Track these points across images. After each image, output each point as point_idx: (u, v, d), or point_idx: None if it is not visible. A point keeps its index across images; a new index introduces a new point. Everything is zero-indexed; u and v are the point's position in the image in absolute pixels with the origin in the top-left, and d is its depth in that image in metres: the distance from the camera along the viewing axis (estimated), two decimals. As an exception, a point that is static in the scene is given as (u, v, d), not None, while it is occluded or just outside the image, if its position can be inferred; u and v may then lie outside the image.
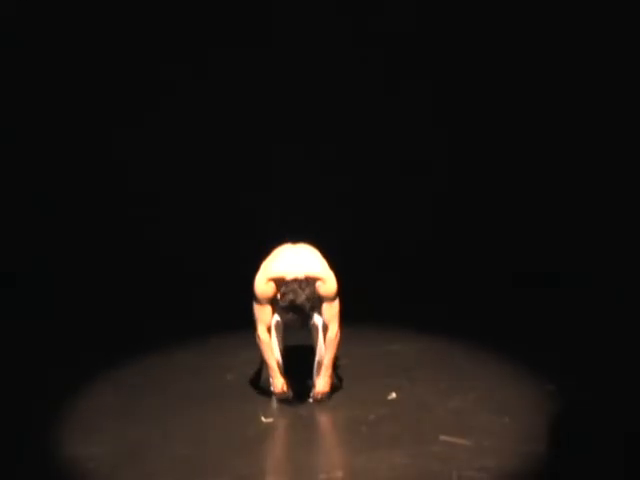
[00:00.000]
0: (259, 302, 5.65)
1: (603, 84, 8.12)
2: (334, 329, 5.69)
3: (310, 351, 5.82)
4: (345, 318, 6.00)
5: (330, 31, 8.41)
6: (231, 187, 8.47)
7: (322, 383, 5.73)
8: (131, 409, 5.74)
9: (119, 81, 8.38)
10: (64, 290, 7.83)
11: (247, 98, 8.47)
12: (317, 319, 5.71)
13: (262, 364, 5.92)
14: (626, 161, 8.11)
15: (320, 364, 5.74)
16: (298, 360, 5.91)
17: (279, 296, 5.54)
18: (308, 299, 5.45)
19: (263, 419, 5.53)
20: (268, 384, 5.82)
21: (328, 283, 5.63)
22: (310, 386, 5.78)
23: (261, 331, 5.69)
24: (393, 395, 5.80)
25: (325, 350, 5.72)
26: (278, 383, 5.72)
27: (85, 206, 8.47)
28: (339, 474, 4.96)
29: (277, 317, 5.74)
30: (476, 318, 7.08)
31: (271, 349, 5.72)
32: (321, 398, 5.74)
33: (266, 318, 5.67)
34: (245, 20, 8.42)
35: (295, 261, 5.67)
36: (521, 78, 8.32)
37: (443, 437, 5.22)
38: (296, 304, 5.43)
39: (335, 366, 5.97)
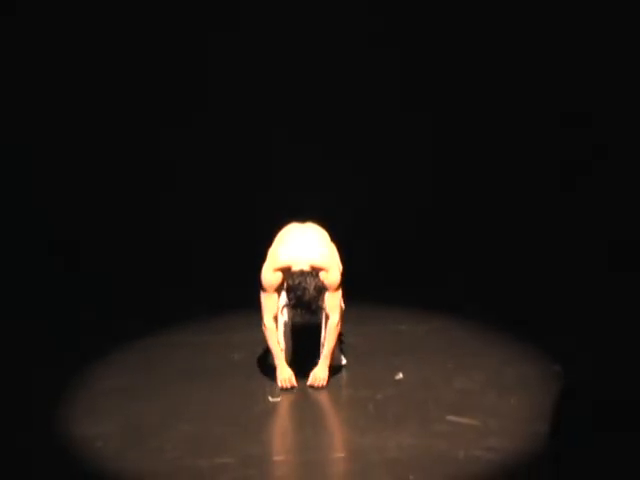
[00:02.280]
0: (266, 291, 5.66)
1: (603, 79, 8.12)
2: (335, 318, 5.69)
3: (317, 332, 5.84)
4: (352, 299, 6.02)
5: (334, 33, 8.41)
6: (232, 168, 8.44)
7: (321, 372, 5.73)
8: (137, 388, 5.75)
9: (120, 72, 8.37)
10: (66, 271, 7.80)
11: (245, 82, 8.45)
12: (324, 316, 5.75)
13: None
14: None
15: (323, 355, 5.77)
16: (305, 341, 5.93)
17: (285, 289, 5.56)
18: (314, 297, 5.46)
19: (270, 398, 5.54)
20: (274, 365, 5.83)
21: (332, 273, 5.63)
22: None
23: (267, 320, 5.69)
24: (400, 375, 5.80)
25: (326, 339, 5.73)
26: (283, 372, 5.71)
27: (84, 188, 8.46)
28: (345, 453, 4.97)
29: (285, 317, 5.78)
30: (482, 299, 7.06)
31: (276, 338, 5.73)
32: (318, 385, 5.74)
33: (273, 307, 5.67)
34: (244, 14, 8.40)
35: (301, 248, 5.66)
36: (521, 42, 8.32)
37: (450, 417, 5.23)
38: (303, 301, 5.45)
39: (341, 347, 5.98)
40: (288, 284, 5.52)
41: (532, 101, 8.35)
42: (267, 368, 5.91)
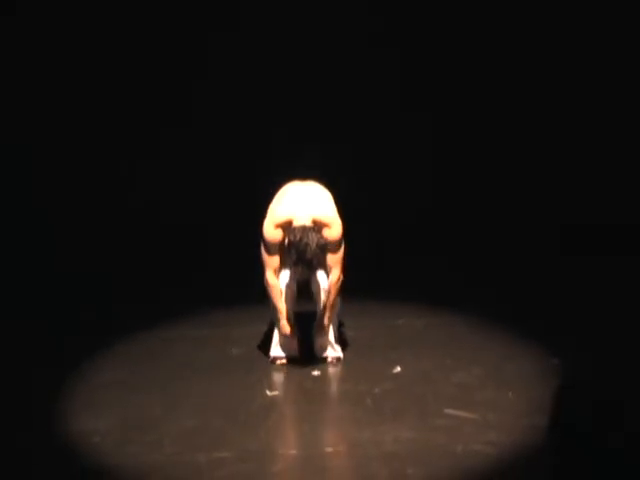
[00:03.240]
0: (267, 248, 5.64)
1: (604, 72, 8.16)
2: (336, 273, 5.69)
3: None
4: (350, 292, 6.02)
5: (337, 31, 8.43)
6: (232, 168, 8.44)
7: (325, 323, 5.77)
8: (134, 383, 5.75)
9: (118, 70, 8.37)
10: (63, 264, 7.79)
11: (245, 85, 8.47)
12: (321, 277, 5.71)
13: (272, 326, 5.96)
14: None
15: (321, 321, 5.78)
16: (305, 328, 5.94)
17: (286, 244, 5.52)
18: (316, 253, 5.45)
19: (268, 392, 5.54)
20: (274, 354, 5.85)
21: (334, 228, 5.61)
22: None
23: (269, 276, 5.68)
24: (398, 369, 5.80)
25: (327, 293, 5.73)
26: (285, 326, 5.75)
27: (83, 185, 8.46)
28: (343, 447, 4.97)
29: (287, 279, 5.74)
30: (481, 293, 7.06)
31: (279, 293, 5.72)
32: (323, 333, 5.80)
33: (274, 263, 5.66)
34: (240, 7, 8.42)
35: (302, 203, 5.64)
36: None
37: (448, 411, 5.23)
38: (305, 258, 5.44)
39: (339, 340, 5.99)
40: (289, 240, 5.49)
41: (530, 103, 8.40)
42: (265, 362, 5.92)
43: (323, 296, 5.75)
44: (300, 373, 5.79)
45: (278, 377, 5.80)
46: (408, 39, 8.46)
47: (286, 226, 5.57)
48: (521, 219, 8.20)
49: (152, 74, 8.47)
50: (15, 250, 7.91)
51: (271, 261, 5.66)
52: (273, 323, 5.94)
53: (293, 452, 5.00)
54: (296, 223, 5.53)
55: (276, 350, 5.89)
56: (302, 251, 5.43)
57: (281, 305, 5.74)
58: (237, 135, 8.55)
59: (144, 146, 8.47)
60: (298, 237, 5.44)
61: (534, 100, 8.44)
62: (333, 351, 5.91)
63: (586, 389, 5.45)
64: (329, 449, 4.98)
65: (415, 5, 8.43)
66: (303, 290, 5.79)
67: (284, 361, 5.88)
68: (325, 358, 5.90)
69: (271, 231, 5.61)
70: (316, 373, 5.79)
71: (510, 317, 6.52)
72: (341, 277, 5.72)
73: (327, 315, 5.79)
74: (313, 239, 5.44)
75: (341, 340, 6.07)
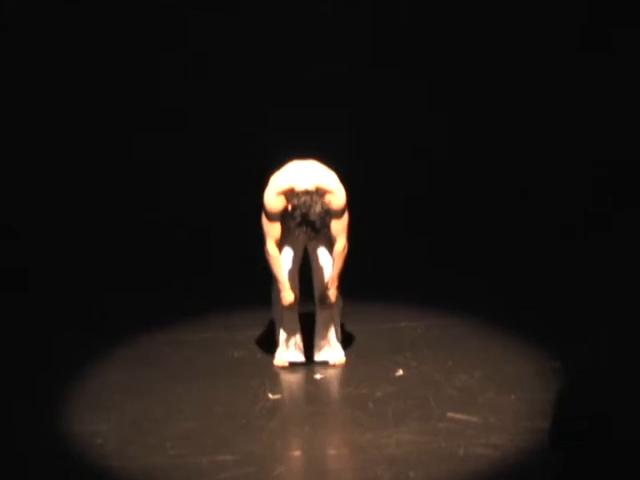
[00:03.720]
0: (268, 216, 5.61)
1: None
2: (342, 242, 5.68)
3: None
4: (351, 295, 6.02)
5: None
6: (232, 169, 8.43)
7: (330, 295, 5.76)
8: (137, 385, 5.75)
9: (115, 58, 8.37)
10: (61, 268, 7.77)
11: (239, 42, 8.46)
12: (322, 253, 5.76)
13: (276, 327, 5.97)
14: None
15: (324, 295, 5.78)
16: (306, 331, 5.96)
17: (290, 208, 5.50)
18: (320, 214, 5.43)
19: (270, 395, 5.55)
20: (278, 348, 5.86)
21: (337, 196, 5.60)
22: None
23: (270, 246, 5.65)
24: (400, 372, 5.81)
25: (333, 262, 5.73)
26: (287, 296, 5.72)
27: (82, 186, 8.46)
28: (345, 451, 4.98)
29: (290, 264, 5.75)
30: (482, 296, 7.05)
31: (280, 263, 5.70)
32: (328, 304, 5.79)
33: (275, 233, 5.63)
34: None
35: (305, 172, 5.62)
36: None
37: (450, 414, 5.23)
38: (309, 219, 5.42)
39: (341, 343, 6.00)
40: (292, 204, 5.47)
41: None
42: (268, 365, 5.92)
43: (326, 273, 5.76)
44: (302, 376, 5.80)
45: (280, 380, 5.81)
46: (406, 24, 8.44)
47: (288, 193, 5.53)
48: (521, 220, 8.19)
49: (151, 71, 8.44)
50: (15, 252, 7.90)
51: (272, 230, 5.62)
52: (275, 326, 5.95)
53: (295, 455, 5.01)
54: (299, 189, 5.50)
55: (281, 355, 5.89)
56: (305, 213, 5.40)
57: (282, 275, 5.71)
58: (233, 137, 8.52)
59: (144, 146, 8.45)
60: (302, 200, 5.41)
61: (536, 92, 8.43)
62: (335, 354, 5.91)
63: (587, 391, 5.46)
64: (331, 452, 4.99)
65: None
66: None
67: (286, 364, 5.89)
68: (327, 361, 5.91)
69: (273, 198, 5.56)
70: (318, 376, 5.80)
71: (511, 319, 6.52)
72: (347, 246, 5.69)
73: (332, 288, 5.77)
74: (316, 202, 5.42)
75: (343, 343, 6.07)
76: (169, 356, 6.20)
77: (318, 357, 5.92)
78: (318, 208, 5.42)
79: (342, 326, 6.15)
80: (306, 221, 5.42)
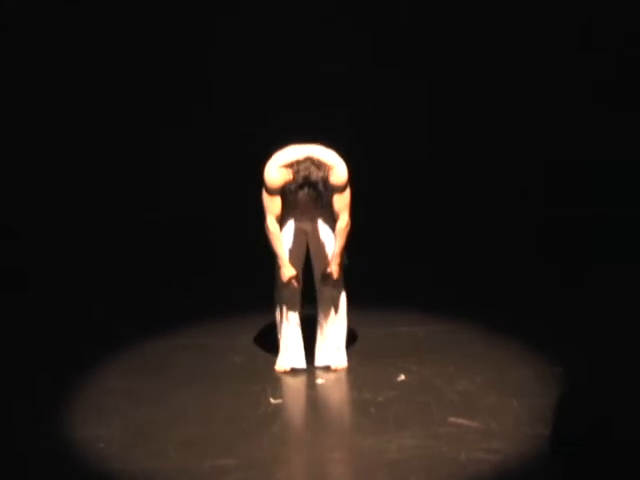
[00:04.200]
0: (269, 191, 5.60)
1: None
2: (345, 219, 5.69)
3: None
4: (353, 300, 6.02)
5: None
6: (232, 171, 8.42)
7: (334, 270, 5.77)
8: (138, 390, 5.76)
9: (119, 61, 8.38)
10: (62, 275, 7.78)
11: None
12: (322, 229, 5.77)
13: (276, 332, 5.98)
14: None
15: (325, 274, 5.79)
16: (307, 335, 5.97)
17: (292, 175, 5.49)
18: (322, 177, 5.44)
19: (272, 400, 5.55)
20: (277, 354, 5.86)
21: (340, 171, 5.61)
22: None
23: (270, 222, 5.65)
24: (402, 377, 5.82)
25: (336, 238, 5.74)
26: (287, 271, 5.71)
27: (83, 190, 8.47)
28: (347, 455, 4.99)
29: (289, 244, 5.75)
30: (483, 301, 7.06)
31: (280, 239, 5.70)
32: (331, 280, 5.79)
33: (275, 208, 5.63)
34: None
35: (306, 148, 5.63)
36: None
37: (451, 419, 5.24)
38: (311, 180, 5.42)
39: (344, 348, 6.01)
40: (294, 171, 5.47)
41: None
42: (269, 370, 5.93)
43: (328, 250, 5.78)
44: (304, 381, 5.81)
45: (282, 385, 5.81)
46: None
47: (289, 166, 5.54)
48: (521, 224, 8.20)
49: (149, 69, 8.46)
50: (14, 257, 7.91)
51: (272, 206, 5.61)
52: (277, 331, 5.96)
53: (297, 460, 5.02)
54: (300, 158, 5.52)
55: (282, 361, 5.91)
56: (307, 175, 5.41)
57: (281, 251, 5.70)
58: (233, 137, 8.52)
59: (143, 146, 8.45)
60: (303, 165, 5.44)
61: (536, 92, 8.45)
62: (337, 359, 5.92)
63: (588, 397, 5.46)
64: (333, 457, 4.99)
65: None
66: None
67: (288, 369, 5.90)
68: (329, 366, 5.92)
69: (273, 172, 5.56)
70: (320, 381, 5.81)
71: (512, 325, 6.52)
72: (349, 223, 5.70)
73: (335, 264, 5.77)
74: (318, 166, 5.45)
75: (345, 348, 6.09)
76: (171, 360, 6.21)
77: (320, 361, 5.93)
78: (320, 173, 5.44)
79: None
80: (308, 182, 5.42)
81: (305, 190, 5.45)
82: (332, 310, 5.86)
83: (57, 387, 5.79)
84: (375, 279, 7.44)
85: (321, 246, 5.82)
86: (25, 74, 8.35)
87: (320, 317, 5.90)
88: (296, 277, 5.75)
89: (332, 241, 5.78)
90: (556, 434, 5.04)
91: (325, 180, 5.48)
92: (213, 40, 8.47)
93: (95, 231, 8.24)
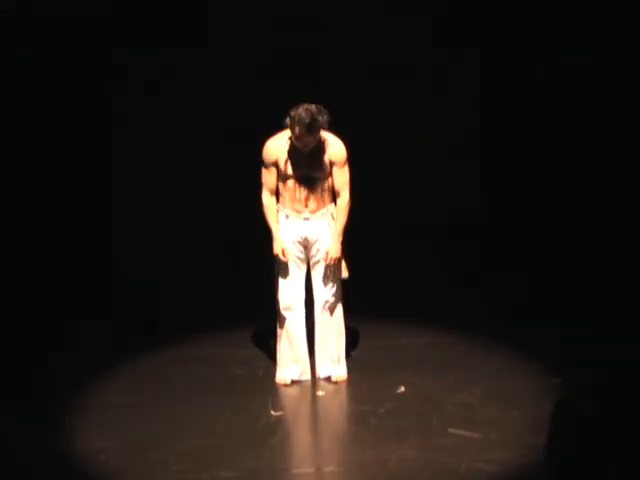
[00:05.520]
0: (265, 164, 5.72)
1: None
2: (345, 196, 5.75)
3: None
4: (352, 313, 6.03)
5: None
6: (234, 175, 8.35)
7: (334, 249, 5.80)
8: (138, 403, 5.76)
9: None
10: (61, 285, 7.75)
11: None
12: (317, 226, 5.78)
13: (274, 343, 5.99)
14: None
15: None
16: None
17: (288, 141, 5.58)
18: (318, 111, 5.46)
19: (272, 412, 5.56)
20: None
21: (339, 148, 5.70)
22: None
23: (265, 195, 5.77)
24: (402, 389, 5.82)
25: (336, 216, 5.79)
26: (276, 246, 5.78)
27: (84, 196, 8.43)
28: (348, 467, 4.99)
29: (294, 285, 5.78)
30: (482, 312, 7.06)
31: (273, 213, 5.78)
32: (332, 262, 5.82)
33: (270, 182, 5.73)
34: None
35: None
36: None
37: (451, 430, 5.25)
38: (305, 119, 5.43)
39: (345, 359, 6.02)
40: (292, 122, 5.49)
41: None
42: (270, 382, 5.93)
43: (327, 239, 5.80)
44: (304, 393, 5.81)
45: (282, 397, 5.82)
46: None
47: (287, 139, 5.64)
48: (522, 229, 8.19)
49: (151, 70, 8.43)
50: (14, 265, 7.90)
51: (268, 178, 5.72)
52: (277, 343, 5.97)
53: (297, 472, 5.02)
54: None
55: (283, 373, 5.92)
56: (305, 112, 5.45)
57: (274, 224, 5.79)
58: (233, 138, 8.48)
59: (145, 147, 8.42)
60: (302, 108, 5.46)
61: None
62: (337, 370, 5.93)
63: (585, 406, 5.46)
64: (333, 468, 5.00)
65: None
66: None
67: (288, 382, 5.91)
68: (329, 378, 5.93)
69: (271, 144, 5.68)
70: (320, 393, 5.82)
71: (512, 336, 6.52)
72: (350, 201, 5.75)
73: (336, 242, 5.80)
74: (317, 112, 5.48)
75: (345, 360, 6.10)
76: (171, 373, 6.20)
77: (320, 373, 5.94)
78: (318, 115, 5.48)
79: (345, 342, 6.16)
80: (302, 121, 5.43)
81: (305, 138, 5.49)
82: (330, 322, 5.87)
83: (59, 399, 5.79)
84: (375, 290, 7.44)
85: (320, 267, 5.85)
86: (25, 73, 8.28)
87: (318, 329, 5.91)
88: (283, 253, 5.78)
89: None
90: (552, 443, 5.04)
91: (323, 113, 5.50)
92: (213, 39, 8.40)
93: (95, 240, 8.21)
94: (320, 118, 5.48)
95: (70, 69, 8.13)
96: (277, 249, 5.78)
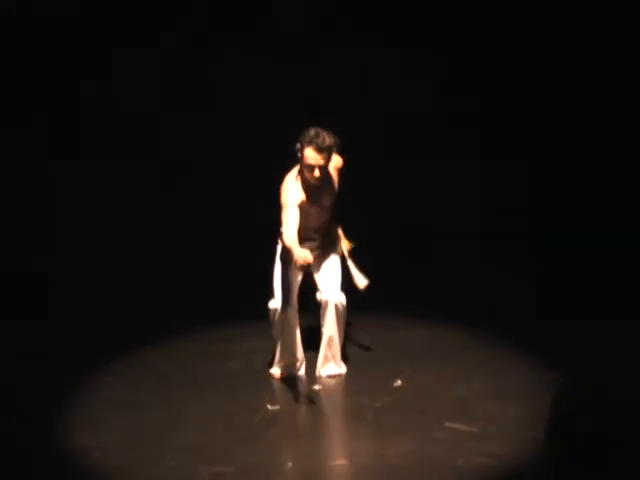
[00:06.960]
0: (289, 206, 5.52)
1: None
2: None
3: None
4: (349, 306, 6.02)
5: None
6: (234, 178, 8.38)
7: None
8: (135, 398, 5.76)
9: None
10: (59, 285, 7.74)
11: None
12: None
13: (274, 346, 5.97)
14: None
15: None
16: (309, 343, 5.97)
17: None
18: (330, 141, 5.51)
19: (269, 406, 5.55)
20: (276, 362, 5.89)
21: (338, 158, 5.80)
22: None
23: (291, 236, 5.43)
24: (399, 382, 5.81)
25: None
26: (300, 253, 5.30)
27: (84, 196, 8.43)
28: (344, 461, 4.98)
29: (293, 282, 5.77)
30: (480, 306, 7.06)
31: (296, 220, 5.52)
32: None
33: (296, 221, 5.48)
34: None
35: None
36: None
37: (449, 424, 5.24)
38: (323, 136, 5.48)
39: (341, 354, 6.01)
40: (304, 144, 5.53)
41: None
42: (266, 377, 5.93)
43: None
44: (301, 387, 5.80)
45: (279, 391, 5.81)
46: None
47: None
48: (521, 230, 8.18)
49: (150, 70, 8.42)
50: (13, 264, 7.89)
51: (293, 219, 5.48)
52: (274, 337, 5.95)
53: (294, 466, 5.00)
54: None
55: (279, 367, 5.91)
56: (317, 133, 5.49)
57: (295, 242, 5.42)
58: (237, 139, 8.47)
59: (146, 148, 8.42)
60: (312, 132, 5.50)
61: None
62: (334, 365, 5.92)
63: (585, 400, 5.45)
64: (330, 463, 4.99)
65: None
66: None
67: (285, 375, 5.89)
68: (326, 373, 5.91)
69: (293, 187, 5.60)
70: (317, 387, 5.81)
71: (510, 330, 6.53)
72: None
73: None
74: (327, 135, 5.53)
75: (341, 354, 6.08)
76: (168, 368, 6.21)
77: (322, 372, 5.92)
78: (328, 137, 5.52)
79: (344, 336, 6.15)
80: (322, 146, 5.46)
81: (316, 139, 5.47)
82: (334, 318, 5.85)
83: (54, 395, 5.78)
84: (372, 284, 7.42)
85: (326, 266, 5.88)
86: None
87: (327, 330, 5.87)
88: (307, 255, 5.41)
89: (336, 261, 5.92)
90: (550, 439, 5.03)
91: (334, 142, 5.54)
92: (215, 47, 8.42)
93: (93, 237, 8.20)
94: (330, 138, 5.50)
95: (70, 69, 8.14)
96: (300, 255, 5.28)
